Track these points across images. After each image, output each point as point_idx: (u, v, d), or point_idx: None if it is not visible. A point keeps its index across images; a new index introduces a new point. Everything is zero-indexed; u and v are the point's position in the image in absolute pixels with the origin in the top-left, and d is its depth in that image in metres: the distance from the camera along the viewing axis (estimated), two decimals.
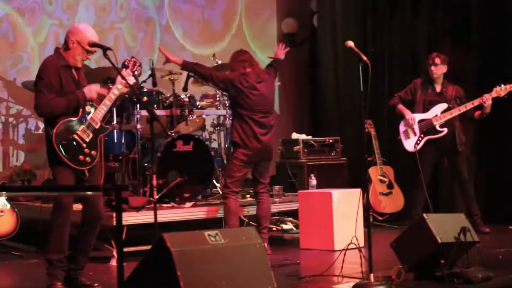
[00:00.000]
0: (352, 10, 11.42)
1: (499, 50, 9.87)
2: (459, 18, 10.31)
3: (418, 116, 9.04)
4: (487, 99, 8.68)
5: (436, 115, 8.95)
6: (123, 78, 6.25)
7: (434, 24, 10.58)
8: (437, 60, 9.01)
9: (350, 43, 6.26)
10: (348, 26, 11.38)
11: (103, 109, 6.22)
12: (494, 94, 8.72)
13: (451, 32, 10.38)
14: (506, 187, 9.81)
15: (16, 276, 7.46)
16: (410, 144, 9.05)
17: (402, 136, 9.13)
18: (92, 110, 6.18)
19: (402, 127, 9.15)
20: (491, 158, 9.98)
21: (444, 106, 8.96)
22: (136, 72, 6.57)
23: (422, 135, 8.99)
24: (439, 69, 9.01)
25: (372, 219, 9.48)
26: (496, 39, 9.92)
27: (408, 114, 9.07)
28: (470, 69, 10.07)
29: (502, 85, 8.73)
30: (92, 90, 6.18)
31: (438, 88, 9.07)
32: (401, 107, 9.18)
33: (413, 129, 9.04)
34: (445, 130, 8.93)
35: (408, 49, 10.82)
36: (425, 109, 9.06)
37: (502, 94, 8.73)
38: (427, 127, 8.97)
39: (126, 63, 6.46)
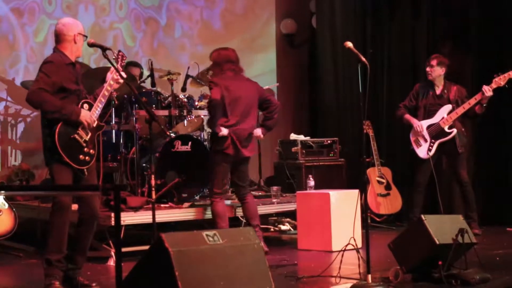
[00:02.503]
0: (351, 11, 11.43)
1: (499, 51, 9.88)
2: (459, 20, 10.32)
3: (426, 123, 9.02)
4: (487, 91, 8.62)
5: (443, 118, 8.93)
6: (121, 76, 6.28)
7: (433, 25, 10.58)
8: (433, 62, 9.01)
9: (349, 44, 6.27)
10: (347, 27, 11.38)
11: (98, 106, 6.25)
12: (494, 85, 8.63)
13: (451, 33, 10.38)
14: (504, 188, 9.83)
15: (14, 276, 7.44)
16: (422, 151, 9.01)
17: (414, 146, 9.09)
18: (88, 107, 6.20)
19: (412, 137, 9.12)
20: (490, 159, 9.99)
21: (449, 107, 8.95)
22: (123, 65, 6.61)
23: (433, 140, 8.97)
24: (434, 71, 9.01)
25: (370, 220, 9.49)
26: (496, 40, 9.94)
27: (415, 123, 9.05)
28: (469, 71, 10.08)
29: (501, 74, 8.66)
30: (87, 117, 6.15)
31: (438, 91, 9.06)
32: (407, 116, 9.16)
33: (423, 136, 9.01)
34: (454, 130, 8.91)
35: (407, 50, 10.83)
36: (427, 113, 9.05)
37: (502, 83, 8.63)
38: (436, 132, 8.95)
39: (115, 57, 6.48)
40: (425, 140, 9.02)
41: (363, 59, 6.08)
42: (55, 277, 6.06)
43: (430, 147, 8.98)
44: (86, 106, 6.19)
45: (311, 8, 12.15)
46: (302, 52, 12.39)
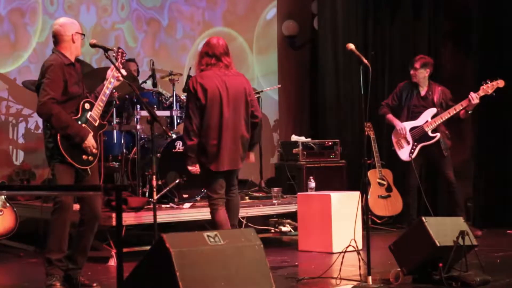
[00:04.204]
0: (353, 13, 11.42)
1: (499, 52, 9.88)
2: (460, 21, 10.33)
3: (409, 125, 9.04)
4: (474, 98, 8.64)
5: (427, 121, 8.94)
6: (121, 74, 6.28)
7: (434, 26, 10.59)
8: (416, 64, 9.03)
9: (351, 46, 6.28)
10: (349, 28, 11.38)
11: (100, 105, 6.25)
12: (481, 92, 8.65)
13: (452, 34, 10.39)
14: (504, 191, 9.84)
15: (15, 276, 7.46)
16: (404, 153, 9.04)
17: (395, 147, 9.13)
18: (90, 107, 6.21)
19: (394, 138, 9.15)
20: (490, 162, 9.98)
21: (433, 111, 8.96)
22: (123, 63, 6.60)
23: (415, 143, 8.99)
24: (419, 73, 9.03)
25: (371, 222, 9.48)
26: (496, 41, 9.94)
27: (398, 124, 9.07)
28: (470, 71, 10.08)
29: (489, 82, 8.66)
30: (90, 142, 6.14)
31: (422, 92, 9.08)
32: (390, 117, 9.18)
33: (405, 138, 9.03)
34: (438, 135, 8.92)
35: (408, 52, 10.82)
36: (410, 114, 9.06)
37: (490, 91, 8.66)
38: (419, 135, 8.96)
39: (115, 55, 6.45)
40: (408, 143, 9.04)
41: (365, 61, 6.09)
42: (56, 277, 6.07)
43: (413, 150, 9.00)
44: (87, 105, 6.20)
45: (312, 9, 12.15)
46: (303, 53, 12.40)
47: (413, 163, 8.96)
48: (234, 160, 6.95)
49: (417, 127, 8.98)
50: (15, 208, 8.23)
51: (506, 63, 9.61)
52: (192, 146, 6.83)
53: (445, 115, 8.86)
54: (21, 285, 6.91)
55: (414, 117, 9.04)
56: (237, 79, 7.02)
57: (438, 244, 5.98)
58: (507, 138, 9.84)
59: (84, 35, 6.37)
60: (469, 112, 8.76)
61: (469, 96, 8.66)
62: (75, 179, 6.14)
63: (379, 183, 9.88)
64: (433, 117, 8.93)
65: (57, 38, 6.26)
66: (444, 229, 6.16)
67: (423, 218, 6.16)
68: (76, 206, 6.43)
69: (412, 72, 9.06)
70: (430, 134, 8.93)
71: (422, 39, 10.67)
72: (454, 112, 8.81)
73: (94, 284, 6.26)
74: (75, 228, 6.33)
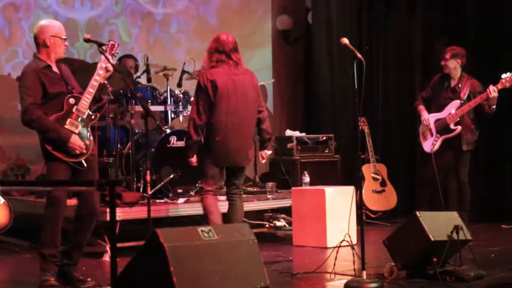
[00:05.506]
0: (347, 7, 11.42)
1: (496, 49, 9.86)
2: (455, 17, 10.31)
3: (434, 116, 8.95)
4: (491, 92, 8.54)
5: (450, 113, 8.85)
6: (111, 64, 6.25)
7: (429, 22, 10.58)
8: (447, 55, 8.93)
9: (345, 40, 6.27)
10: (343, 23, 11.38)
11: (87, 97, 6.21)
12: (500, 85, 8.51)
13: (447, 30, 10.37)
14: (500, 185, 9.84)
15: (9, 271, 7.46)
16: (427, 145, 8.95)
17: (421, 138, 9.05)
18: (75, 101, 6.18)
19: (420, 129, 9.08)
20: (487, 157, 9.97)
21: (457, 103, 8.85)
22: (115, 55, 6.57)
23: (438, 135, 8.89)
24: (449, 63, 8.92)
25: (365, 217, 9.49)
26: (493, 38, 9.92)
27: (423, 116, 8.99)
28: (466, 69, 10.05)
29: (509, 74, 8.52)
30: (76, 143, 6.12)
31: (452, 83, 8.98)
32: (420, 108, 9.07)
33: (430, 130, 8.96)
34: (459, 127, 8.80)
35: (403, 47, 10.83)
36: (439, 105, 8.97)
37: (508, 85, 8.49)
38: (442, 127, 8.87)
39: (104, 48, 6.39)
40: (431, 135, 8.96)
41: (359, 55, 6.08)
42: (50, 272, 6.07)
43: (435, 142, 8.91)
44: (72, 100, 6.16)
45: (306, 4, 12.15)
46: (297, 48, 12.39)
47: (433, 156, 8.86)
48: (237, 159, 7.03)
49: (441, 119, 8.91)
50: (9, 204, 8.22)
51: (502, 60, 9.59)
52: (197, 141, 6.97)
53: (466, 108, 8.76)
54: (16, 280, 6.90)
55: (442, 109, 8.97)
56: (246, 77, 7.08)
57: (433, 239, 5.98)
58: (505, 132, 9.83)
59: (65, 38, 6.32)
60: (492, 106, 8.65)
61: (488, 89, 8.57)
62: (72, 174, 6.13)
63: (373, 178, 9.88)
64: (457, 109, 8.84)
65: (35, 41, 6.30)
66: (439, 224, 6.16)
67: (417, 213, 6.16)
68: (72, 201, 6.41)
69: (442, 63, 8.97)
70: (451, 126, 8.85)
71: (417, 34, 10.66)
72: (474, 104, 8.65)
73: (89, 279, 6.25)
74: (71, 223, 6.33)
